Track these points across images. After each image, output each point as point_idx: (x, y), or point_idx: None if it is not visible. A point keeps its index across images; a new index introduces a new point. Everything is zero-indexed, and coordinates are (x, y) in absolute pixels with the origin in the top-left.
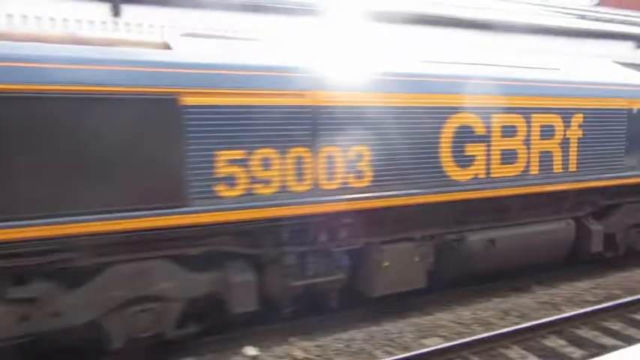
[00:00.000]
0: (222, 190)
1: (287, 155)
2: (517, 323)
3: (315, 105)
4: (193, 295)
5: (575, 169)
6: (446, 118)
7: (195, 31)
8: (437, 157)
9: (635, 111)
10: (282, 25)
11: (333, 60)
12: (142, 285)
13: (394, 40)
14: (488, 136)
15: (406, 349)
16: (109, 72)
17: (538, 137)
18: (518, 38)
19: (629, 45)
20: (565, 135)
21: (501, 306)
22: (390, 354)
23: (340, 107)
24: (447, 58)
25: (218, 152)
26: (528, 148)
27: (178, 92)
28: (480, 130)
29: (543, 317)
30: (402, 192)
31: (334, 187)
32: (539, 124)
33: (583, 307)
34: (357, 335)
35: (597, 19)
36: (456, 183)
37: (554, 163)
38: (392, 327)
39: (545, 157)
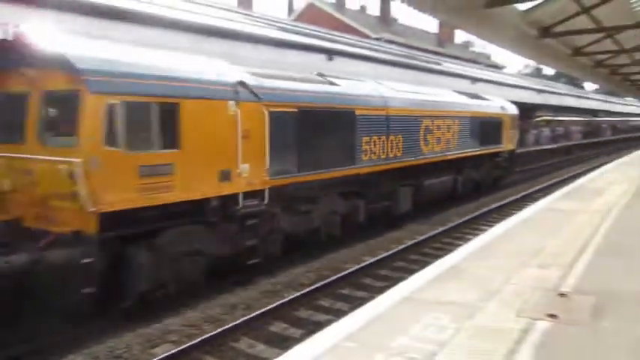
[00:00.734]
0: (364, 157)
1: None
2: (244, 315)
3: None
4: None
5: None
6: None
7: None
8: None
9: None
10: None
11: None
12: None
13: None
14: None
15: None
16: (336, 99)
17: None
18: (227, 44)
19: (322, 57)
20: (446, 131)
21: (229, 301)
22: None
23: (394, 116)
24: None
25: (365, 138)
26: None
27: (355, 108)
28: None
29: (267, 305)
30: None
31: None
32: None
33: (300, 290)
34: None
35: (297, 32)
36: (422, 153)
37: (442, 144)
38: (118, 342)
39: (437, 141)
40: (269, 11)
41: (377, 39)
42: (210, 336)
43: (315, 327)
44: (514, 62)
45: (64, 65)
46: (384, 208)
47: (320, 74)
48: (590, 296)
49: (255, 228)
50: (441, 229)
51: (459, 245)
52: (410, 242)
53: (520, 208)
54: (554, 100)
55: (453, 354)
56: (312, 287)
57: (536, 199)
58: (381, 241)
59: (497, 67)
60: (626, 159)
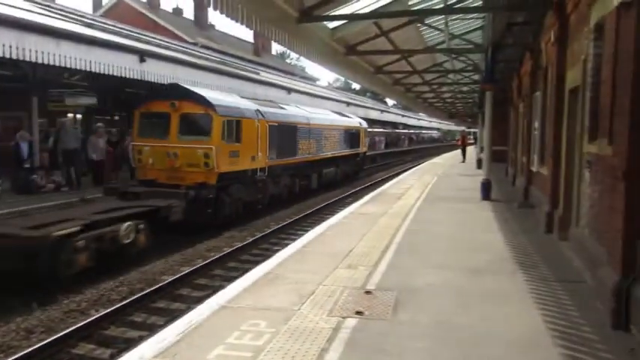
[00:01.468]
0: (300, 152)
1: (304, 142)
2: (43, 339)
3: None
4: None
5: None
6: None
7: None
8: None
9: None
10: None
11: None
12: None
13: None
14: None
15: None
16: (289, 117)
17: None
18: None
19: (134, 58)
20: (333, 138)
21: (24, 325)
22: None
23: (312, 128)
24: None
25: (300, 141)
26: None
27: (296, 123)
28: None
29: (71, 326)
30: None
31: None
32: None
33: (109, 307)
34: None
35: (104, 30)
36: (322, 152)
37: (331, 146)
38: None
39: (329, 145)
40: (71, 4)
41: (193, 44)
42: None
43: (128, 345)
44: (327, 75)
45: (202, 101)
46: (305, 185)
47: (271, 101)
48: (392, 292)
49: (262, 187)
50: (258, 235)
51: (276, 251)
52: (228, 250)
53: (332, 214)
54: (361, 113)
55: (269, 359)
56: (124, 302)
57: (347, 204)
58: (199, 250)
59: (311, 79)
60: (421, 166)
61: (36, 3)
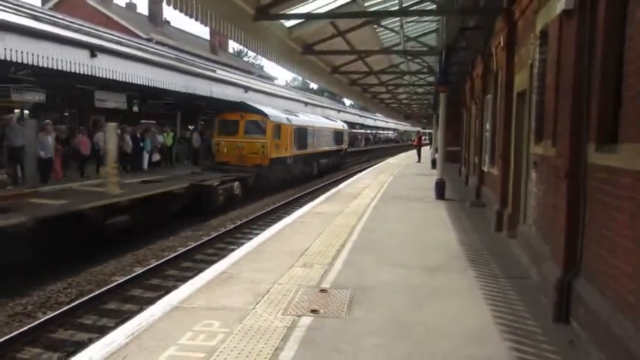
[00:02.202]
0: (309, 146)
1: (311, 139)
2: None
3: None
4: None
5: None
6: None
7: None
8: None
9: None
10: None
11: None
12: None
13: None
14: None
15: None
16: (303, 123)
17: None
18: None
19: (85, 53)
20: (326, 137)
21: None
22: None
23: (315, 130)
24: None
25: (309, 138)
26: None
27: (307, 126)
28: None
29: (16, 329)
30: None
31: None
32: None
33: (57, 309)
34: None
35: (53, 23)
36: (320, 147)
37: (325, 143)
38: None
39: (324, 141)
40: None
41: (148, 40)
42: None
43: (77, 348)
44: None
45: (260, 112)
46: (309, 171)
47: (291, 112)
48: (347, 290)
49: (290, 169)
50: (214, 234)
51: (232, 250)
52: (182, 249)
53: (289, 213)
54: (319, 112)
55: (222, 359)
56: (73, 305)
57: (303, 203)
58: (153, 250)
59: (269, 77)
60: (378, 166)
61: None
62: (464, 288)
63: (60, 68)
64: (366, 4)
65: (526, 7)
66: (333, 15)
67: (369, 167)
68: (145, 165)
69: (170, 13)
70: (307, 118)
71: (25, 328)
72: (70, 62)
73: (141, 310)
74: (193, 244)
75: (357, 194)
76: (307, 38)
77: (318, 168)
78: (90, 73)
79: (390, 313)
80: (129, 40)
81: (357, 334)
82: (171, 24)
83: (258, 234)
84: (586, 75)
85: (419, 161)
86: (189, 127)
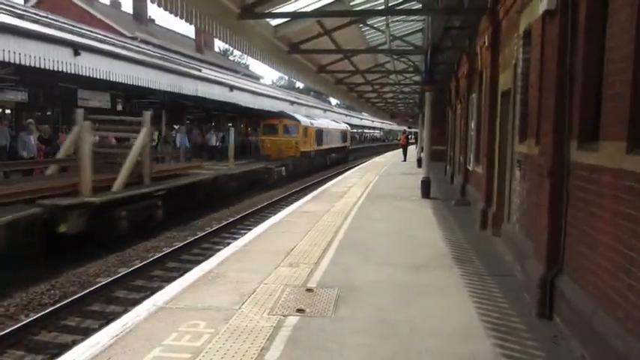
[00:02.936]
0: (325, 143)
1: (325, 138)
2: None
3: None
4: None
5: (336, 142)
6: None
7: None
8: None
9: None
10: None
11: None
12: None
13: None
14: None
15: None
16: (322, 127)
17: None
18: None
19: (68, 51)
20: (335, 136)
21: None
22: None
23: (328, 131)
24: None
25: (324, 137)
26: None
27: (322, 129)
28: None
29: None
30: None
31: None
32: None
33: (40, 311)
34: None
35: (36, 21)
36: (331, 144)
37: (334, 141)
38: None
39: (334, 140)
40: None
41: (132, 38)
42: None
43: (60, 350)
44: (271, 73)
45: (294, 118)
46: (325, 162)
47: (310, 116)
48: (333, 289)
49: (313, 160)
50: (200, 234)
51: (218, 250)
52: (168, 250)
53: (275, 212)
54: (304, 111)
55: None
56: (56, 306)
57: (290, 202)
58: (137, 250)
59: (255, 77)
60: (364, 165)
61: None
62: (449, 286)
63: (43, 67)
64: (351, 3)
65: (510, 7)
66: (318, 14)
67: (356, 166)
68: None
69: (155, 12)
70: (323, 121)
71: (8, 330)
72: (53, 60)
73: (125, 311)
74: (179, 244)
75: (343, 193)
76: (293, 37)
77: (330, 160)
78: (73, 72)
79: (376, 312)
80: (113, 39)
81: (343, 333)
82: (156, 22)
83: (244, 234)
84: (568, 74)
85: (405, 160)
86: (175, 126)
